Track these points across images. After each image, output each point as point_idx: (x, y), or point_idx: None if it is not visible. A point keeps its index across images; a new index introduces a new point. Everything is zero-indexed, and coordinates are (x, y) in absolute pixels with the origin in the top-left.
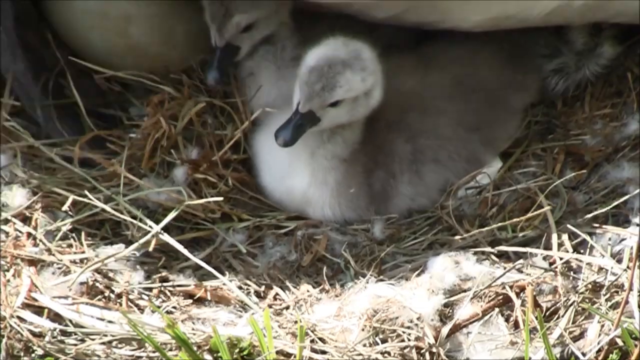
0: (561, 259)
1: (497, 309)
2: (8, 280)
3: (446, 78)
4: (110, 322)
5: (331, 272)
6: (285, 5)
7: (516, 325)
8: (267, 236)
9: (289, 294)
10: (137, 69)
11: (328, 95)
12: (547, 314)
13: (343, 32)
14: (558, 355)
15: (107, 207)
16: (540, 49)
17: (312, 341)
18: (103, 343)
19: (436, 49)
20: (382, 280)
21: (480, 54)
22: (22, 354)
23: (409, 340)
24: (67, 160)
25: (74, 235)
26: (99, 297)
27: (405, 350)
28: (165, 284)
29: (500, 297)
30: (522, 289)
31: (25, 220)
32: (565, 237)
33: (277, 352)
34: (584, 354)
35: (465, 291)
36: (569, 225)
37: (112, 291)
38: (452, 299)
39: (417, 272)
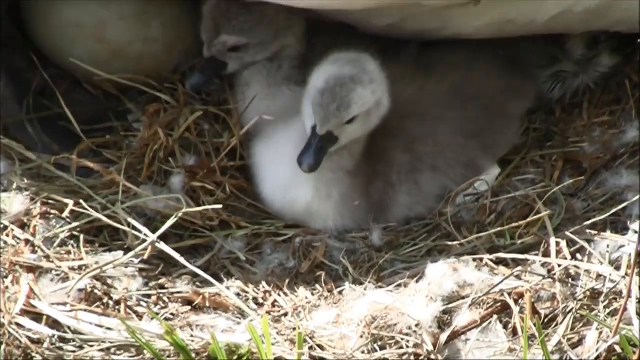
0: (560, 266)
1: (495, 316)
2: (7, 287)
3: (444, 85)
4: (108, 329)
5: (330, 279)
6: (295, 27)
7: (515, 332)
8: (266, 243)
9: (287, 301)
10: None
11: (345, 114)
12: (546, 320)
13: (344, 45)
14: None
15: (101, 216)
16: (539, 58)
17: (310, 348)
18: (101, 350)
19: (434, 57)
20: (380, 287)
21: (477, 61)
22: None
23: (407, 347)
24: (64, 169)
25: (72, 242)
26: (98, 304)
27: (404, 357)
28: (163, 290)
29: (499, 304)
30: (521, 295)
31: (24, 227)
32: (563, 244)
33: (275, 359)
34: None
35: (463, 298)
36: (567, 233)
37: (111, 298)
38: (450, 305)
39: (415, 279)
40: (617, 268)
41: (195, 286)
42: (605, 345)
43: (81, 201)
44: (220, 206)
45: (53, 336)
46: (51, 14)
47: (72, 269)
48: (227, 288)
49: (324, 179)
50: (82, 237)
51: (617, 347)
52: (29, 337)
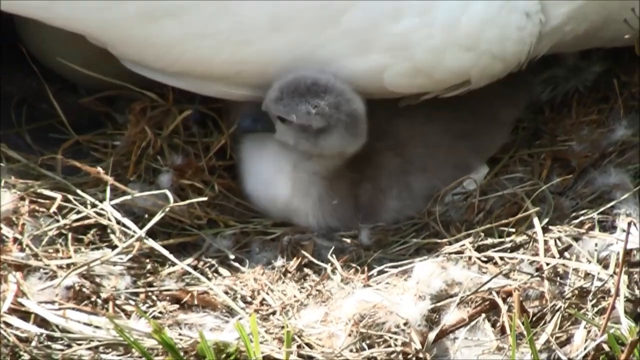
0: (548, 264)
1: (483, 315)
2: None
3: None
4: (97, 327)
5: (318, 278)
6: None
7: (503, 331)
8: (254, 242)
9: (275, 299)
10: (119, 77)
11: (275, 107)
12: (534, 319)
13: None
14: None
15: (90, 212)
16: (533, 65)
17: (298, 346)
18: (90, 348)
19: None
20: (368, 285)
21: None
22: (8, 359)
23: (395, 345)
24: (52, 168)
25: (60, 240)
26: (86, 302)
27: (392, 356)
28: (151, 288)
29: (487, 302)
30: (509, 294)
31: (11, 225)
32: (551, 242)
33: (263, 358)
34: None
35: (452, 296)
36: (555, 231)
37: (99, 296)
38: (438, 304)
39: (404, 278)
40: (605, 267)
41: (183, 284)
42: (594, 344)
43: (69, 196)
44: (205, 198)
45: (41, 335)
46: None
47: (60, 267)
48: (216, 286)
49: (301, 179)
50: (70, 235)
51: (605, 346)
52: (16, 336)
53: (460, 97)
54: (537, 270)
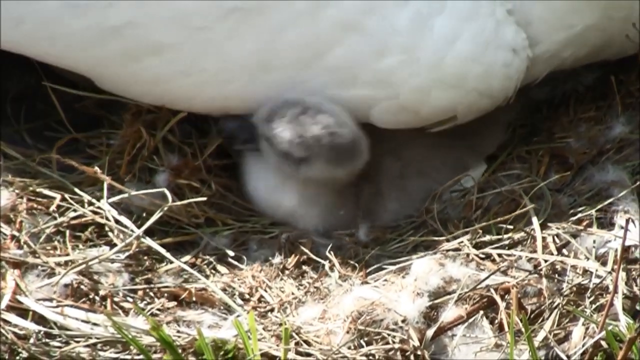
0: (546, 261)
1: (481, 312)
2: None
3: None
4: (95, 324)
5: (316, 275)
6: None
7: (501, 328)
8: (252, 240)
9: (273, 297)
10: None
11: (261, 125)
12: (532, 316)
13: None
14: (543, 358)
15: (87, 211)
16: None
17: (296, 344)
18: (88, 346)
19: None
20: (366, 282)
21: None
22: (6, 356)
23: (393, 342)
24: (48, 165)
25: (58, 238)
26: (84, 299)
27: (390, 353)
28: (150, 286)
29: (485, 299)
30: (507, 291)
31: (9, 222)
32: (549, 239)
33: (261, 355)
34: (568, 357)
35: (450, 293)
36: (553, 228)
37: (97, 294)
38: (436, 301)
39: (401, 275)
40: (604, 263)
41: (181, 281)
42: (592, 341)
43: (66, 194)
44: (204, 199)
45: (39, 332)
46: None
47: (59, 264)
48: (214, 283)
49: (308, 189)
50: (67, 232)
51: (603, 343)
52: (14, 333)
53: None
54: (535, 267)
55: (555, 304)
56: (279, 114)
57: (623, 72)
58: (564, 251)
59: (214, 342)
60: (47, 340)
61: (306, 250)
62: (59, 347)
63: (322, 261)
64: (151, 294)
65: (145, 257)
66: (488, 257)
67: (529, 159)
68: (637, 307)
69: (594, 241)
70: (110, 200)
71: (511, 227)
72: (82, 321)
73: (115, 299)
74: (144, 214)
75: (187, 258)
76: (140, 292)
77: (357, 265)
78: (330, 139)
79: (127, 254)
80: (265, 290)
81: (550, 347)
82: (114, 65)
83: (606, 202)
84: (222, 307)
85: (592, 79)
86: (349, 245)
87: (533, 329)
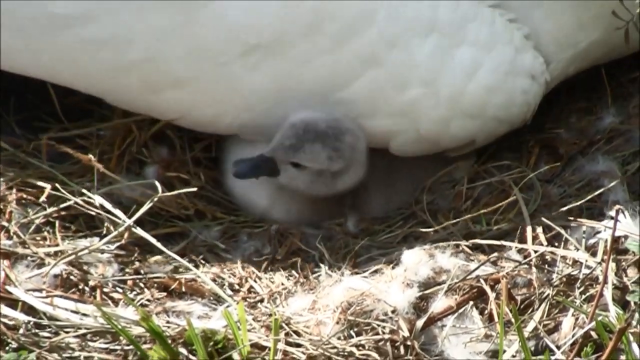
0: (536, 252)
1: (471, 302)
2: None
3: None
4: (84, 315)
5: (306, 265)
6: None
7: (491, 318)
8: (242, 231)
9: (263, 287)
10: None
11: (291, 154)
12: (522, 307)
13: None
14: (532, 348)
15: (78, 200)
16: None
17: (286, 334)
18: (77, 336)
19: None
20: (356, 273)
21: None
22: None
23: (383, 333)
24: (38, 156)
25: (48, 228)
26: (73, 290)
27: (380, 344)
28: (139, 276)
29: (475, 290)
30: (497, 282)
31: None
32: (539, 230)
33: (251, 345)
34: (558, 347)
35: (439, 284)
36: (543, 218)
37: (87, 284)
38: (426, 292)
39: (391, 265)
40: (593, 254)
41: (171, 272)
42: (582, 331)
43: (57, 185)
44: (194, 189)
45: (29, 322)
46: None
47: (48, 254)
48: (204, 274)
49: (280, 195)
50: (57, 223)
51: (593, 333)
52: (4, 324)
53: None
54: (525, 257)
55: (545, 294)
56: (309, 135)
57: (614, 63)
58: (554, 242)
59: (203, 333)
60: (37, 330)
61: (296, 241)
62: (49, 338)
63: (312, 252)
64: (141, 284)
65: (135, 248)
66: (478, 247)
67: (519, 150)
68: (627, 298)
69: (584, 232)
70: (101, 190)
71: (501, 217)
72: (72, 312)
73: (105, 290)
74: (134, 206)
75: (177, 249)
76: (129, 283)
77: (346, 255)
78: (361, 144)
79: (117, 244)
80: (255, 281)
81: (540, 338)
82: (133, 97)
83: (596, 193)
84: (211, 298)
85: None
86: (339, 235)
87: (523, 319)
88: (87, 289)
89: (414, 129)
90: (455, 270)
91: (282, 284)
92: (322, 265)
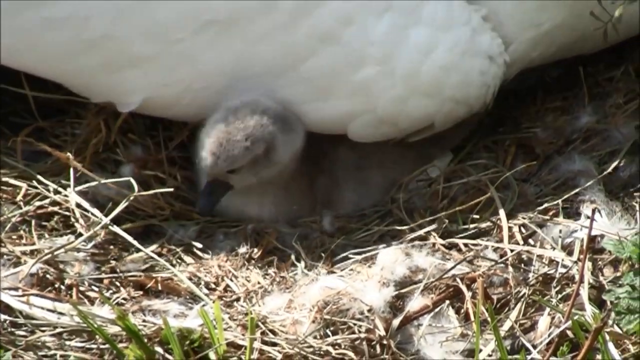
0: (512, 251)
1: (447, 301)
2: None
3: None
4: (60, 313)
5: (282, 264)
6: None
7: (467, 317)
8: (218, 231)
9: (239, 286)
10: None
11: (218, 169)
12: (498, 306)
13: None
14: (508, 348)
15: (55, 197)
16: None
17: (262, 333)
18: (53, 335)
19: None
20: (333, 272)
21: None
22: None
23: (359, 332)
24: (12, 155)
25: (24, 227)
26: (50, 288)
27: (356, 342)
28: (115, 275)
29: (451, 289)
30: (473, 281)
31: None
32: (516, 229)
33: (227, 344)
34: (534, 346)
35: (416, 283)
36: (519, 218)
37: (63, 283)
38: (402, 291)
39: (367, 264)
40: (570, 253)
41: (147, 270)
42: (558, 331)
43: (34, 182)
44: (171, 189)
45: (5, 321)
46: None
47: (24, 253)
48: (180, 272)
49: (252, 190)
50: (33, 221)
51: (569, 332)
52: None
53: None
54: (501, 256)
55: (521, 293)
56: (223, 148)
57: (590, 63)
58: (530, 241)
59: (179, 332)
60: (13, 329)
61: (272, 240)
62: (25, 336)
63: (289, 251)
64: (117, 283)
65: (112, 247)
66: (454, 246)
67: (496, 149)
68: (603, 297)
69: (560, 231)
70: (77, 189)
71: (477, 216)
72: (48, 310)
73: (81, 288)
74: (110, 204)
75: (153, 247)
76: (106, 281)
77: (323, 254)
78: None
79: (93, 242)
80: (231, 280)
81: (516, 337)
82: (93, 77)
83: (572, 192)
84: (188, 297)
85: (558, 72)
86: (315, 234)
87: (499, 318)
88: (63, 287)
89: (372, 109)
90: (432, 269)
91: (259, 282)
92: (298, 264)
